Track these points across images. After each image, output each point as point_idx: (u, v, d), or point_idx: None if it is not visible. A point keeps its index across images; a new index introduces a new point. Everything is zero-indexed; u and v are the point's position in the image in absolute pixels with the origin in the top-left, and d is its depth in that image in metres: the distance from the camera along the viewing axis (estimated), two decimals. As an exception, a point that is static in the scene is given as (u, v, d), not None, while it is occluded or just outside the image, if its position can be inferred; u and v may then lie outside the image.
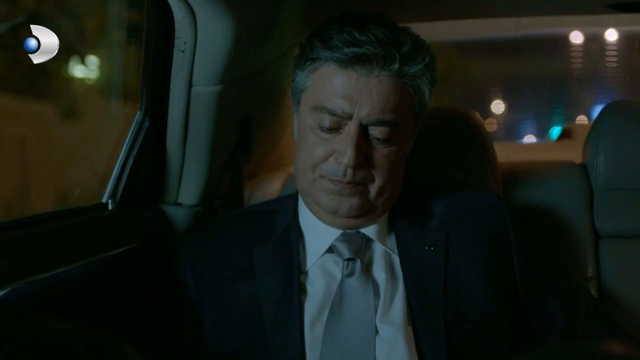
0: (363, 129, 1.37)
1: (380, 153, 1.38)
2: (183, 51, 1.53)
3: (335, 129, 1.38)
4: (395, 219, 1.47)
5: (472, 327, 1.38)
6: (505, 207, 1.50)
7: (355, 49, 1.35)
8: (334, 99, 1.37)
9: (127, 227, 1.59)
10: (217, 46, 1.51)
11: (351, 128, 1.36)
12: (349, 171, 1.37)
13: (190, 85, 1.58)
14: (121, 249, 1.51)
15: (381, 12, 1.42)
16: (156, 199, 1.71)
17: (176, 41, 1.53)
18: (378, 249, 1.44)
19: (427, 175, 1.67)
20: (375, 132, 1.37)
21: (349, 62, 1.36)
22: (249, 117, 1.77)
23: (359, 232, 1.44)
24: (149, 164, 1.65)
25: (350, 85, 1.36)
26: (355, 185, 1.38)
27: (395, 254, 1.43)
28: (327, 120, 1.38)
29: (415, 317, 1.36)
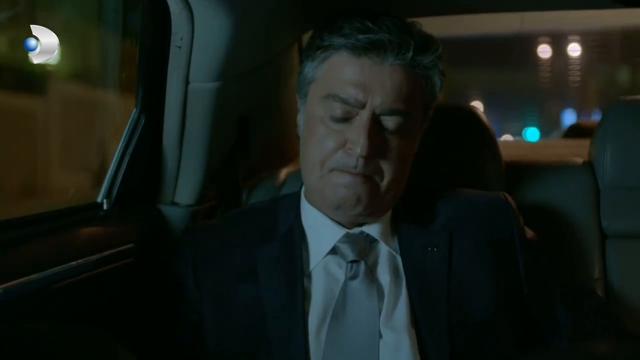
0: (375, 119, 1.37)
1: (392, 145, 1.38)
2: (180, 47, 1.53)
3: (346, 118, 1.38)
4: (398, 218, 1.47)
5: (476, 330, 1.38)
6: (511, 207, 1.50)
7: (370, 35, 1.36)
8: (347, 87, 1.37)
9: (123, 227, 1.59)
10: (214, 42, 1.52)
11: (363, 117, 1.36)
12: (361, 162, 1.36)
13: (187, 82, 1.58)
14: (116, 250, 1.51)
15: (388, 9, 1.43)
16: (152, 198, 1.71)
17: (172, 37, 1.53)
18: (382, 250, 1.44)
19: (429, 173, 1.67)
20: (388, 122, 1.38)
21: (363, 50, 1.36)
22: (248, 115, 1.77)
23: (362, 233, 1.44)
24: (145, 163, 1.66)
25: (364, 73, 1.37)
26: (365, 179, 1.38)
27: (399, 255, 1.43)
28: (338, 110, 1.38)
29: (419, 320, 1.36)
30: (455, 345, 1.35)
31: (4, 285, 1.24)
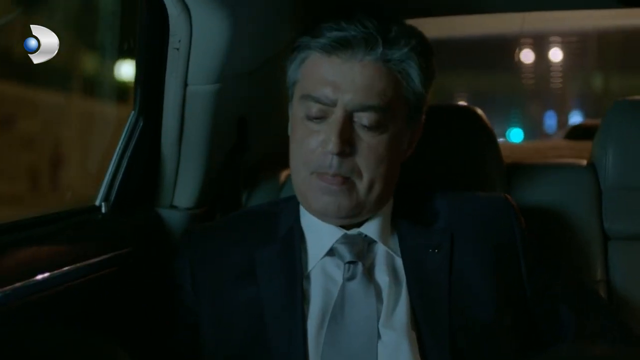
0: (349, 116, 1.38)
1: (368, 143, 1.39)
2: (178, 49, 1.53)
3: (322, 117, 1.39)
4: (398, 219, 1.47)
5: (478, 332, 1.38)
6: (512, 208, 1.50)
7: (337, 33, 1.38)
8: (319, 87, 1.39)
9: (121, 230, 1.59)
10: (213, 44, 1.52)
11: (336, 115, 1.38)
12: (335, 160, 1.37)
13: (185, 84, 1.58)
14: (114, 253, 1.51)
15: (382, 8, 1.43)
16: (151, 201, 1.71)
17: (171, 39, 1.53)
18: (381, 250, 1.44)
19: (428, 174, 1.67)
20: (362, 119, 1.38)
21: (332, 48, 1.38)
22: (247, 117, 1.77)
23: (360, 234, 1.44)
24: (144, 166, 1.65)
25: (334, 71, 1.38)
26: (343, 181, 1.38)
27: (398, 256, 1.43)
28: (313, 109, 1.39)
29: (419, 322, 1.36)
30: (456, 348, 1.35)
31: (1, 290, 1.24)
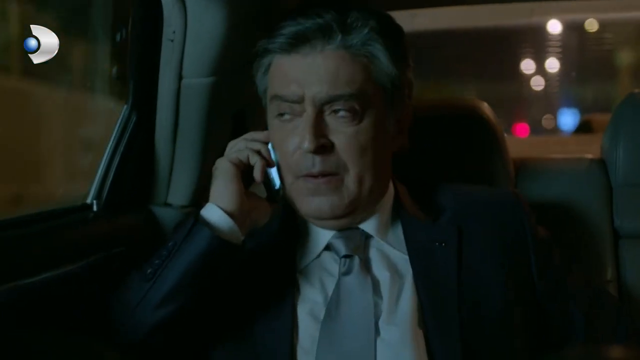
0: (319, 110, 1.37)
1: (347, 134, 1.37)
2: (172, 41, 1.53)
3: (294, 116, 1.39)
4: (401, 213, 1.46)
5: (488, 329, 1.38)
6: (522, 204, 1.49)
7: (292, 28, 1.38)
8: (285, 85, 1.39)
9: (114, 229, 1.59)
10: (208, 35, 1.51)
11: (307, 111, 1.37)
12: (316, 160, 1.36)
13: (180, 77, 1.58)
14: (107, 253, 1.51)
15: (388, 2, 1.43)
16: (144, 199, 1.70)
17: (165, 30, 1.53)
18: (379, 245, 1.44)
19: (432, 170, 1.67)
20: (334, 109, 1.37)
21: (290, 46, 1.38)
22: (244, 111, 1.77)
23: (357, 228, 1.44)
24: (137, 162, 1.65)
25: (297, 68, 1.38)
26: (329, 179, 1.38)
27: (399, 251, 1.43)
28: (283, 109, 1.39)
29: (427, 319, 1.36)
30: (466, 345, 1.35)
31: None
